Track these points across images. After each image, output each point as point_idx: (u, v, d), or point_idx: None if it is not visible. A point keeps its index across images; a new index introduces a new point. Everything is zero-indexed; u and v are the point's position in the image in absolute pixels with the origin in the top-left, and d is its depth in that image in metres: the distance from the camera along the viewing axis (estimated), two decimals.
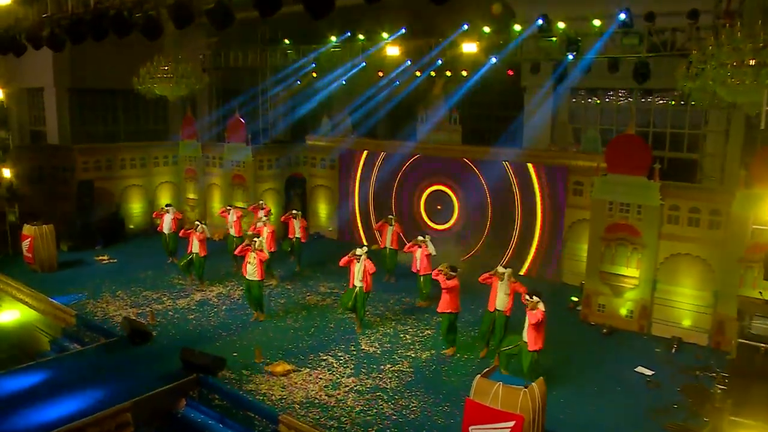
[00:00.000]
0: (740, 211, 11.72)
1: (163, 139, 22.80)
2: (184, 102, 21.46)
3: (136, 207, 20.78)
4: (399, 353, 11.90)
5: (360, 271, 12.53)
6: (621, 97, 17.13)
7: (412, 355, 11.83)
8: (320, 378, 10.81)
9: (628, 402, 10.17)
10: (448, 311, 11.58)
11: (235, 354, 11.66)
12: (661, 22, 13.61)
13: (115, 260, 17.88)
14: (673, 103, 16.06)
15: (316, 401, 10.02)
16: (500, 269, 11.95)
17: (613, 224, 13.10)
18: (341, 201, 20.33)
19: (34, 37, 10.61)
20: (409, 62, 17.76)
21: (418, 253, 13.99)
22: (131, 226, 20.55)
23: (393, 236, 15.81)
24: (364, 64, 18.34)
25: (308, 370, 11.13)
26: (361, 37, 18.09)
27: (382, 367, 11.30)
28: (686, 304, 12.68)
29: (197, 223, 15.52)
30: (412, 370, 11.22)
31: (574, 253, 15.63)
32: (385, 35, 17.42)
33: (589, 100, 17.72)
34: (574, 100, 17.88)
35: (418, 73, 18.78)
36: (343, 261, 12.82)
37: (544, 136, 17.86)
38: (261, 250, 13.18)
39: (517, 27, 15.64)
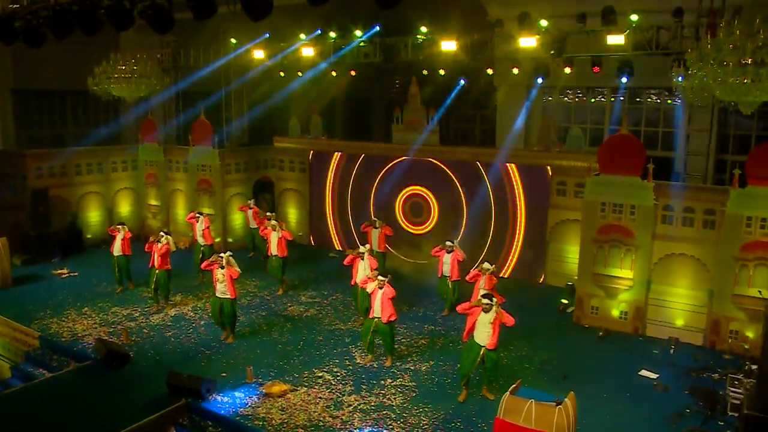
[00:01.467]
0: (735, 209, 11.71)
1: (115, 142, 21.49)
2: (138, 104, 20.25)
3: (94, 215, 19.44)
4: (397, 366, 11.34)
5: (365, 268, 12.45)
6: (590, 95, 17.16)
7: (411, 368, 11.31)
8: (320, 397, 10.15)
9: (641, 407, 9.91)
10: (394, 319, 11.21)
11: (224, 374, 10.88)
12: (646, 19, 13.52)
13: (76, 273, 16.68)
14: (659, 101, 16.13)
15: (321, 424, 9.37)
16: (486, 266, 12.09)
17: (605, 225, 12.91)
18: (312, 204, 19.62)
19: (5, 31, 9.30)
20: None
21: (447, 258, 13.35)
22: (89, 236, 19.24)
23: (379, 239, 15.27)
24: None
25: (305, 389, 10.45)
26: (332, 35, 17.35)
27: (382, 382, 10.72)
28: (680, 304, 12.60)
29: (162, 234, 14.04)
30: (414, 384, 10.68)
31: (558, 255, 15.46)
32: (358, 33, 16.80)
33: (565, 99, 17.66)
34: (549, 98, 17.77)
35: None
36: (347, 260, 12.86)
37: (519, 135, 17.62)
38: (231, 266, 12.08)
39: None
